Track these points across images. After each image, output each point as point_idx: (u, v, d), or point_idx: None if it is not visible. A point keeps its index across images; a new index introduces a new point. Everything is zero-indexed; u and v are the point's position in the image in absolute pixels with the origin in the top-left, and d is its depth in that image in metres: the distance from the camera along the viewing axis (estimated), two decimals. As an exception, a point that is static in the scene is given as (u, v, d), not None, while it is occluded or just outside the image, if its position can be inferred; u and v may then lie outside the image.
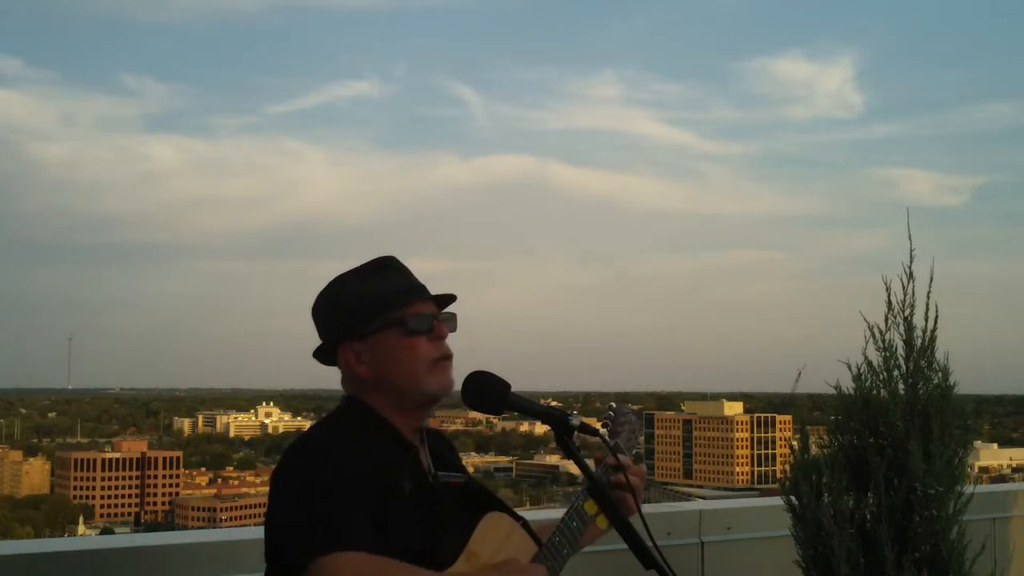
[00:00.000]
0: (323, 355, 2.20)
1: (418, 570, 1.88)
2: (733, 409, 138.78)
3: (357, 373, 2.12)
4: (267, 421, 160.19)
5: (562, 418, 2.09)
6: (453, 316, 2.22)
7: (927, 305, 3.66)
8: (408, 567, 1.87)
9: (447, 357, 2.15)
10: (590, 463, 2.22)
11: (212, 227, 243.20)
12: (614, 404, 2.47)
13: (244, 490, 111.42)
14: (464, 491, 2.16)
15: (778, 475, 3.98)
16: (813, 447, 3.64)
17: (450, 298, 2.23)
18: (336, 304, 2.16)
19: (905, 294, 3.68)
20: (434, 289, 2.23)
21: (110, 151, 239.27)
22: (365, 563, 1.82)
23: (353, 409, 2.12)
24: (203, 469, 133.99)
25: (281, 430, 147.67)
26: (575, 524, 2.16)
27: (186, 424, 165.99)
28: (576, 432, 2.13)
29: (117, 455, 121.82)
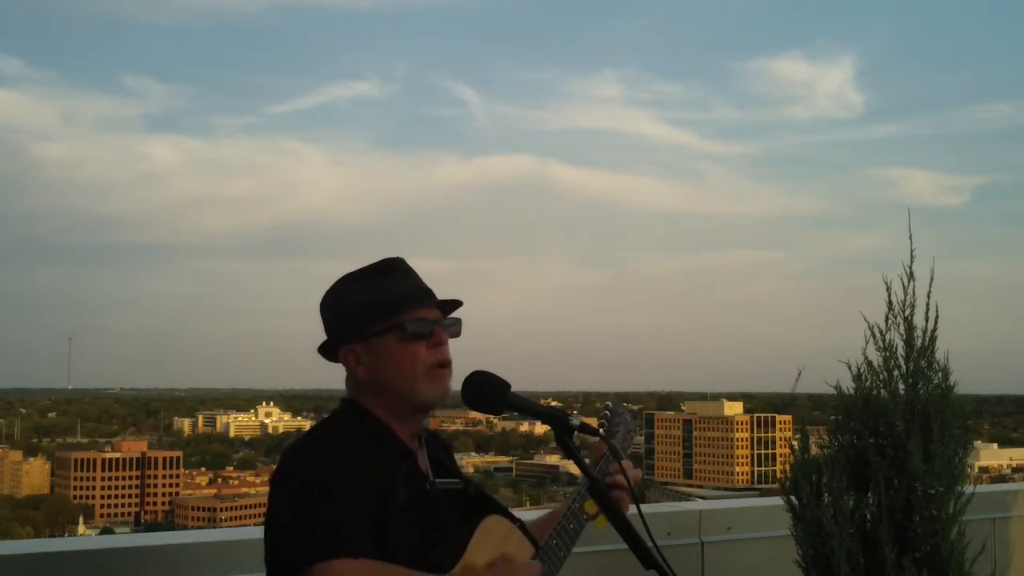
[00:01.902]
0: (327, 352, 2.20)
1: (416, 574, 1.87)
2: (733, 409, 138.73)
3: (356, 375, 2.13)
4: (267, 421, 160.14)
5: (562, 418, 2.09)
6: (457, 322, 2.21)
7: (927, 305, 3.67)
8: (406, 571, 1.87)
9: (444, 364, 2.14)
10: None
11: (212, 227, 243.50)
12: (610, 403, 2.48)
13: (244, 490, 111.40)
14: (462, 496, 2.16)
15: (778, 475, 3.99)
16: (813, 447, 3.64)
17: (455, 304, 2.22)
18: (339, 305, 2.16)
19: (905, 294, 3.69)
20: (436, 289, 2.22)
21: (110, 151, 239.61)
22: (363, 570, 1.82)
23: (352, 412, 2.12)
24: (203, 469, 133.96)
25: (281, 430, 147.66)
26: (572, 526, 2.16)
27: (186, 424, 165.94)
28: (576, 432, 2.14)
29: (117, 455, 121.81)
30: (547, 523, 2.26)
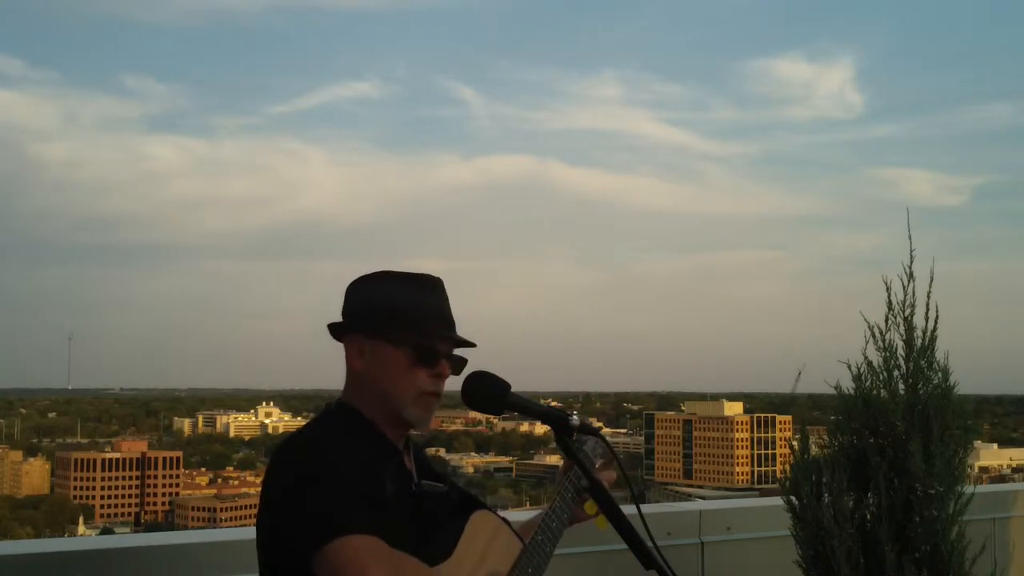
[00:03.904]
0: (337, 331, 2.20)
1: (421, 565, 1.87)
2: (733, 409, 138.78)
3: (352, 365, 2.13)
4: (267, 421, 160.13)
5: (562, 418, 2.09)
6: (463, 361, 2.20)
7: (927, 305, 3.67)
8: (412, 559, 1.87)
9: (436, 395, 2.14)
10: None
11: (212, 227, 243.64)
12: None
13: (244, 490, 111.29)
14: (447, 498, 2.17)
15: (778, 475, 3.99)
16: (813, 447, 3.64)
17: (468, 344, 2.20)
18: (369, 295, 2.16)
19: (905, 294, 3.69)
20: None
21: (111, 151, 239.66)
22: (373, 545, 1.82)
23: (341, 412, 2.13)
24: (203, 469, 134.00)
25: (281, 430, 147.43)
26: (555, 524, 2.17)
27: (186, 424, 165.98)
28: (576, 432, 2.14)
29: (117, 455, 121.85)
30: (536, 524, 2.26)
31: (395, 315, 2.11)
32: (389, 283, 2.17)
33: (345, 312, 2.18)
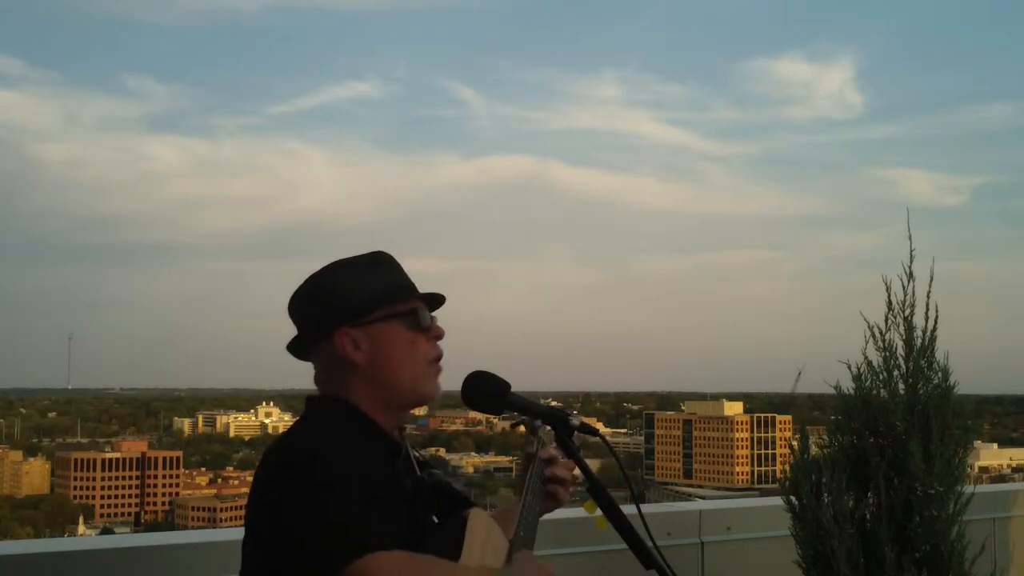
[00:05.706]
0: (299, 347, 2.09)
1: (451, 565, 1.84)
2: (733, 409, 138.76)
3: (352, 360, 2.01)
4: (267, 421, 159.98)
5: (562, 418, 2.09)
6: (435, 318, 2.15)
7: (927, 305, 3.67)
8: (443, 562, 1.83)
9: (439, 359, 2.09)
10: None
11: (212, 227, 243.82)
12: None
13: (244, 490, 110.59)
14: (441, 489, 2.14)
15: (778, 475, 3.99)
16: (813, 447, 3.64)
17: (440, 299, 2.16)
18: (337, 288, 2.05)
19: (905, 294, 3.69)
20: (434, 289, 2.20)
21: (112, 151, 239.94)
22: (404, 560, 1.77)
23: (336, 408, 2.02)
24: (203, 469, 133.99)
25: (281, 430, 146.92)
26: (531, 518, 2.16)
27: (186, 424, 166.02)
28: (576, 432, 2.13)
29: (117, 455, 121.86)
30: (503, 516, 2.23)
31: (376, 294, 2.04)
32: (346, 269, 2.08)
33: (312, 322, 2.06)
